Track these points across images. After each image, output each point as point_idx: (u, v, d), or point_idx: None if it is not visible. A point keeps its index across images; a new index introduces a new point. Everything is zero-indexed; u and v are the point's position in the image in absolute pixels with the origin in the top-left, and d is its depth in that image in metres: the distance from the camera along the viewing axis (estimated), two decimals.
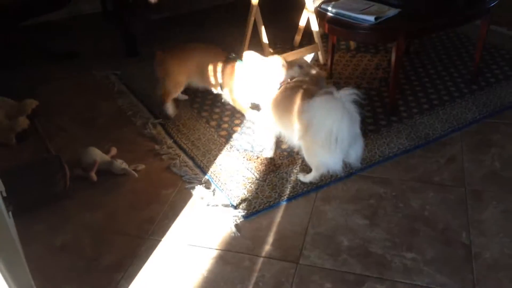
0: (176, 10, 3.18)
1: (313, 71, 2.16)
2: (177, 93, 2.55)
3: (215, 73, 2.46)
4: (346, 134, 1.81)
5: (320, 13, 2.49)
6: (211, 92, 2.75)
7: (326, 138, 1.83)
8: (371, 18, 2.28)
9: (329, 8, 2.44)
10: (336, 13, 2.40)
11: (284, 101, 2.04)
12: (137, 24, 3.15)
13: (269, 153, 2.23)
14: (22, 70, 3.07)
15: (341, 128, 1.79)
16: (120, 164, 2.13)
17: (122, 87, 2.86)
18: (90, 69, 3.06)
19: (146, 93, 2.77)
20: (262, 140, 2.26)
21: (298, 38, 3.22)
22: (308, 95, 1.91)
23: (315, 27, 2.95)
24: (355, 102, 1.80)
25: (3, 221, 1.18)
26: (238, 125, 2.47)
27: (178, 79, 2.47)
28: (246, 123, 2.47)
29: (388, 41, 2.83)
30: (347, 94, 1.80)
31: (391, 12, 2.35)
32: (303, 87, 2.00)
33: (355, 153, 1.94)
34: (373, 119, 2.43)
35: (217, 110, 2.60)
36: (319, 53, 3.02)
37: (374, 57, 3.06)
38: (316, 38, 2.98)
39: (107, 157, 2.17)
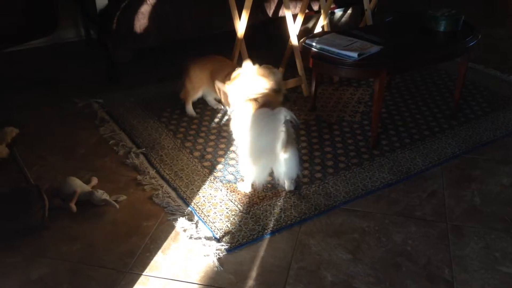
0: (161, 39, 3.20)
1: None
2: (194, 97, 2.80)
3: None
4: (267, 147, 1.97)
5: (304, 48, 2.54)
6: (195, 122, 2.75)
7: (251, 147, 2.00)
8: (354, 55, 2.33)
9: (314, 44, 2.49)
10: (320, 49, 2.45)
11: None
12: (121, 52, 3.16)
13: (246, 187, 2.20)
14: (2, 97, 3.02)
15: (261, 139, 1.97)
16: (101, 194, 2.09)
17: (104, 116, 2.83)
18: (71, 96, 3.03)
19: (128, 121, 2.75)
20: (242, 170, 2.22)
21: (282, 70, 3.27)
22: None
23: (299, 60, 3.01)
24: (288, 121, 1.94)
25: None
26: (221, 156, 2.46)
27: (195, 84, 2.74)
28: (230, 154, 2.47)
29: (371, 77, 2.90)
30: (280, 112, 1.95)
31: (374, 49, 2.41)
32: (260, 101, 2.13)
33: (282, 172, 2.05)
34: (356, 153, 2.46)
35: (200, 140, 2.59)
36: (303, 85, 3.07)
37: (356, 90, 3.12)
38: (300, 71, 3.03)
39: (87, 188, 2.13)
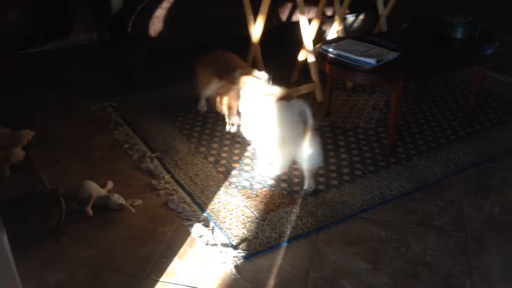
0: (175, 43, 3.20)
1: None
2: (201, 93, 2.78)
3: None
4: (288, 136, 2.09)
5: (320, 54, 2.53)
6: (208, 127, 2.74)
7: (275, 137, 2.12)
8: (373, 61, 2.31)
9: (330, 49, 2.48)
10: (337, 55, 2.44)
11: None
12: (135, 55, 3.16)
13: (275, 170, 2.28)
14: (17, 99, 3.02)
15: (282, 130, 2.09)
16: (117, 199, 2.08)
17: (118, 119, 2.83)
18: (85, 99, 3.02)
19: (142, 125, 2.75)
20: (269, 157, 2.28)
21: (295, 75, 3.26)
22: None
23: (313, 66, 2.99)
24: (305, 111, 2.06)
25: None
26: (236, 161, 2.45)
27: (199, 81, 2.75)
28: (245, 160, 2.45)
29: (388, 84, 2.87)
30: (298, 103, 2.09)
31: (391, 55, 2.40)
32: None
33: (307, 160, 2.14)
34: (372, 160, 2.44)
35: (215, 145, 2.58)
36: (317, 91, 3.05)
37: (371, 97, 3.10)
38: (314, 77, 3.02)
39: (103, 191, 2.12)
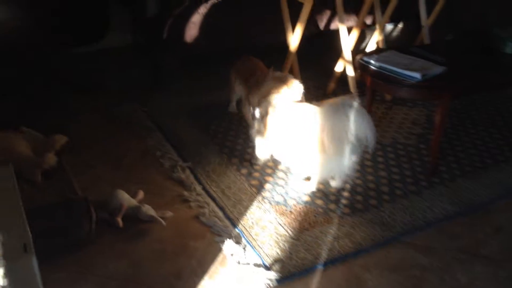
0: (210, 48, 3.15)
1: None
2: (232, 95, 2.85)
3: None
4: (346, 137, 1.99)
5: (362, 66, 2.42)
6: (242, 136, 2.67)
7: (331, 141, 2.00)
8: (417, 75, 2.20)
9: (372, 61, 2.37)
10: (379, 67, 2.33)
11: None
12: (170, 59, 3.12)
13: (312, 186, 2.24)
14: (50, 103, 3.02)
15: (340, 131, 1.98)
16: (148, 210, 2.03)
17: (150, 125, 2.79)
18: (118, 103, 3.00)
19: (174, 132, 2.69)
20: (311, 169, 2.21)
21: (332, 85, 3.16)
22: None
23: (351, 77, 2.89)
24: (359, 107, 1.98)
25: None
26: (269, 174, 2.36)
27: (231, 85, 2.79)
28: (278, 173, 2.37)
29: (433, 99, 2.73)
30: (347, 101, 1.98)
31: (437, 69, 2.28)
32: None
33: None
34: (413, 179, 2.32)
35: (248, 157, 2.50)
36: None
37: (411, 111, 2.97)
38: (352, 88, 2.91)
39: (134, 202, 2.07)
